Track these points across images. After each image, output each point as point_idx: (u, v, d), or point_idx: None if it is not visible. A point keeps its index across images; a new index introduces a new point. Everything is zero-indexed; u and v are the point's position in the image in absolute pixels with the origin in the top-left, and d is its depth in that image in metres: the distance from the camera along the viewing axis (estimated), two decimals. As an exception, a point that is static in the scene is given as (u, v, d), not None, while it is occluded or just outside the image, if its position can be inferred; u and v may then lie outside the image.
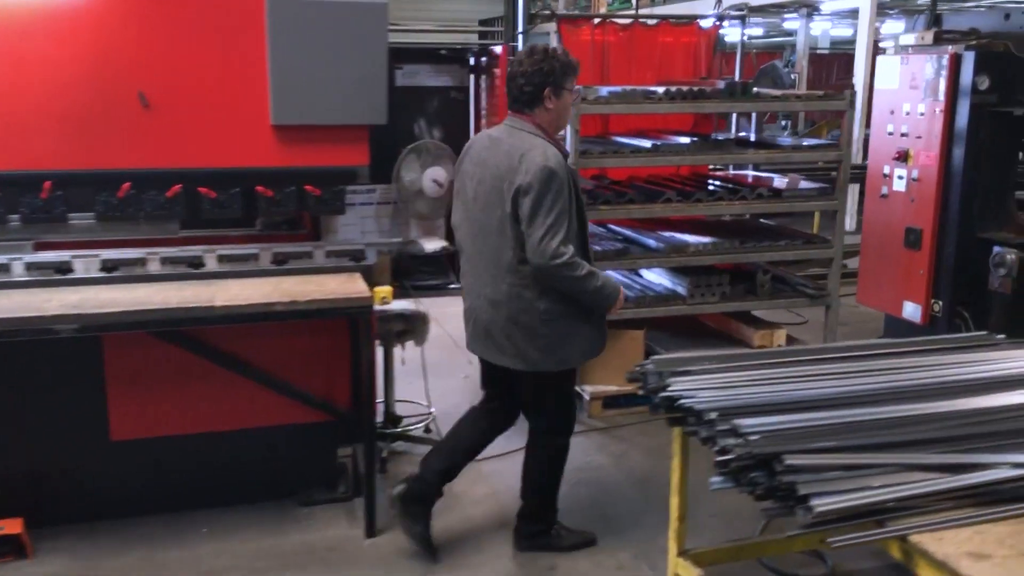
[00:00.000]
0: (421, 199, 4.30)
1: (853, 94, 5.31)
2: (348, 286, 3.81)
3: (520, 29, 6.86)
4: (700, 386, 2.81)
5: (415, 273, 4.49)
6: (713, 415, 2.59)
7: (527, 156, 3.25)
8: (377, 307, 3.87)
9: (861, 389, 2.84)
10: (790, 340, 5.76)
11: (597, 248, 5.05)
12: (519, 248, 3.30)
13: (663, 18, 7.22)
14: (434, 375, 4.99)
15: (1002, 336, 3.39)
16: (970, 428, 2.60)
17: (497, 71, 4.75)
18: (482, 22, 15.37)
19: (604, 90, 5.36)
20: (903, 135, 5.73)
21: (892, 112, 5.80)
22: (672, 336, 5.85)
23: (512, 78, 3.38)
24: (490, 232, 3.38)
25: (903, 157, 5.72)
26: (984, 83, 5.36)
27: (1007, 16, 5.75)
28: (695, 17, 7.29)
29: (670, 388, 2.81)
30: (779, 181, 5.83)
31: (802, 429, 2.53)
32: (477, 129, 4.86)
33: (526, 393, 3.62)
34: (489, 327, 3.46)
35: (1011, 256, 5.02)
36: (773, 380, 2.90)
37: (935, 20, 6.38)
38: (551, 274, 3.25)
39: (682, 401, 2.73)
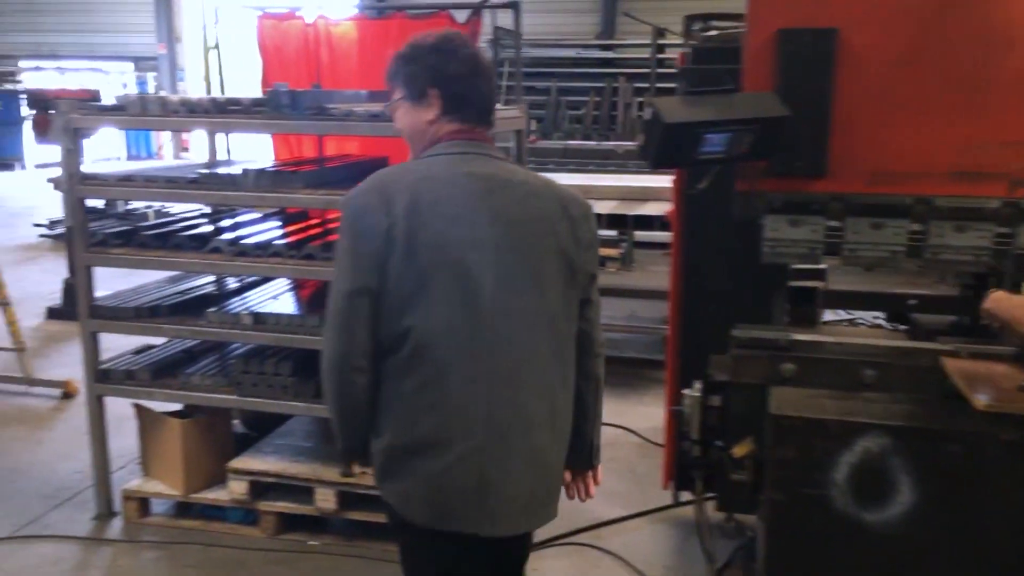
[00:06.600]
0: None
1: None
2: None
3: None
4: None
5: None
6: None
7: (574, 200, 2.15)
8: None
9: None
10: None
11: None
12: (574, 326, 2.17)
13: (397, 9, 5.75)
14: None
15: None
16: None
17: None
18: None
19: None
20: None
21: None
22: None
23: None
24: (555, 318, 2.10)
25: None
26: None
27: None
28: (446, 7, 5.79)
29: None
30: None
31: None
32: None
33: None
34: (545, 465, 2.13)
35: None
36: None
37: None
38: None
39: None
